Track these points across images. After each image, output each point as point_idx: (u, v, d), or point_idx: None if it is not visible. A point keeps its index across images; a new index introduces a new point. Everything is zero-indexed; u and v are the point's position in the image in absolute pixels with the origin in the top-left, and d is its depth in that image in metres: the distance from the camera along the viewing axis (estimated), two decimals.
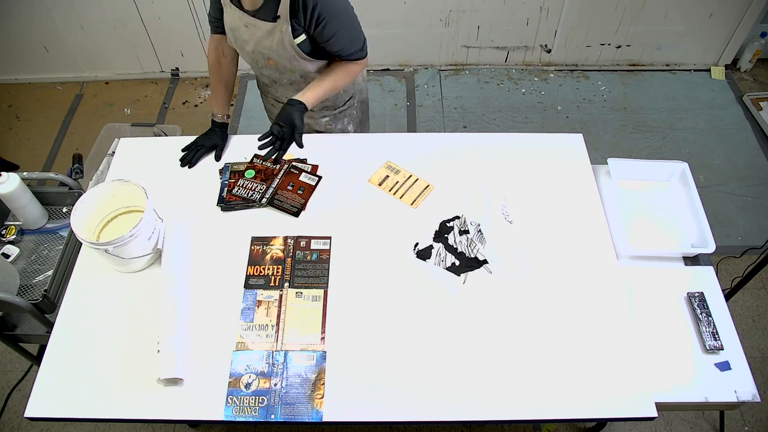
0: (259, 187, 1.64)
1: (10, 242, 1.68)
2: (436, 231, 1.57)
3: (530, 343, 1.35)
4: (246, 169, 1.69)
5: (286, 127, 1.48)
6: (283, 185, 1.64)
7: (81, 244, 1.54)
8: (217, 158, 1.73)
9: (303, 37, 1.47)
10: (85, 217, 1.44)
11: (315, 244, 1.53)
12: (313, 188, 1.65)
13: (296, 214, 1.59)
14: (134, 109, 3.24)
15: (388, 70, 3.40)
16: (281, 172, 1.67)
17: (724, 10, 3.04)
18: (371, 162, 1.73)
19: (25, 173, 1.69)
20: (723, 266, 2.46)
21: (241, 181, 1.65)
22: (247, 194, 1.62)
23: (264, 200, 1.61)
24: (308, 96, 1.54)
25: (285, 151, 1.48)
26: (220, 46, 1.68)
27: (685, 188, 1.69)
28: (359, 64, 1.61)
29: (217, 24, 1.63)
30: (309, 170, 1.69)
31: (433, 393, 1.28)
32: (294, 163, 1.70)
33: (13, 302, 1.43)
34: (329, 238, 1.54)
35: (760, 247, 2.43)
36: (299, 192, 1.63)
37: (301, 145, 1.48)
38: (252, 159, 1.72)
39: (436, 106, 3.19)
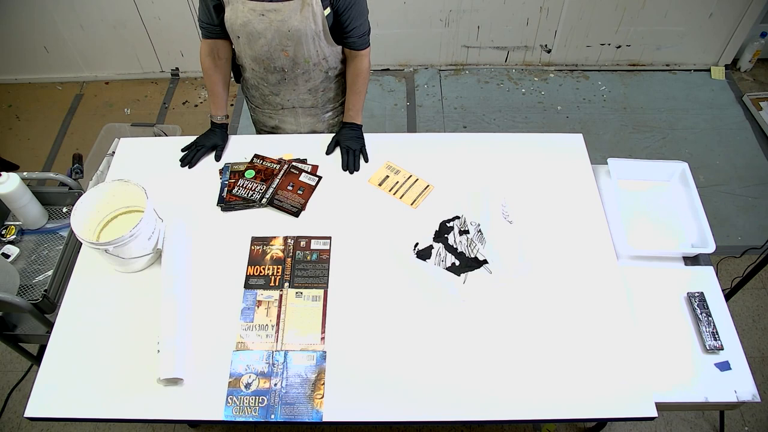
0: (259, 187, 1.64)
1: (10, 242, 1.67)
2: (436, 231, 1.57)
3: (530, 343, 1.35)
4: (246, 169, 1.69)
5: (354, 146, 1.73)
6: (283, 185, 1.64)
7: (81, 244, 1.54)
8: (217, 158, 1.73)
9: (328, 10, 1.54)
10: (85, 217, 1.44)
11: (315, 244, 1.53)
12: (313, 188, 1.65)
13: (296, 214, 1.59)
14: (134, 109, 3.24)
15: (388, 70, 3.40)
16: (281, 173, 1.67)
17: (724, 10, 3.04)
18: (371, 162, 1.73)
19: (25, 173, 1.69)
20: (723, 266, 2.46)
21: (241, 181, 1.65)
22: (247, 194, 1.62)
23: (264, 200, 1.61)
24: (353, 114, 1.75)
25: (359, 166, 1.72)
26: (215, 49, 1.68)
27: (685, 188, 1.69)
28: (365, 56, 1.69)
29: (211, 29, 1.63)
30: (309, 170, 1.69)
31: (433, 393, 1.28)
32: (294, 163, 1.70)
33: (13, 302, 1.43)
34: (329, 238, 1.54)
35: (760, 247, 2.43)
36: (299, 192, 1.63)
37: (366, 159, 1.73)
38: (252, 159, 1.72)
39: (436, 106, 3.19)
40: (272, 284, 1.45)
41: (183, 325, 1.34)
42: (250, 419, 1.25)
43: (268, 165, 1.70)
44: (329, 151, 1.75)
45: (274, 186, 1.64)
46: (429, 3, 3.03)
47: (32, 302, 1.47)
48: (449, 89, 3.28)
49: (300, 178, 1.67)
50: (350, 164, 1.70)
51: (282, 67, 1.65)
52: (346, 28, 1.60)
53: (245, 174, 1.67)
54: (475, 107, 3.18)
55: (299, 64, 1.65)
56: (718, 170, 2.84)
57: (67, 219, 1.73)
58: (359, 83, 1.73)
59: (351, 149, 1.72)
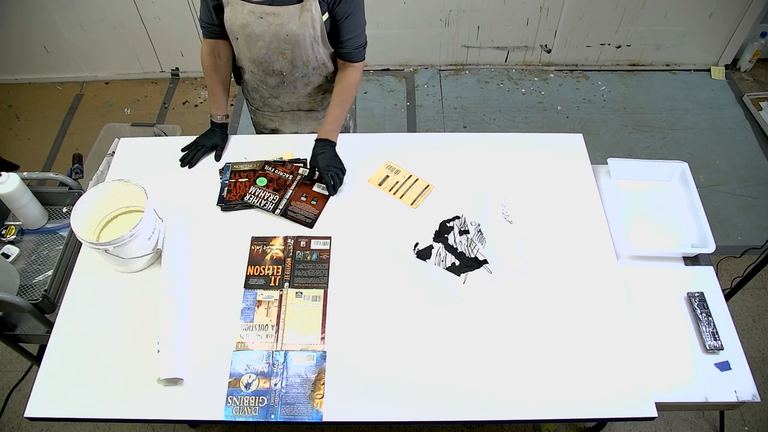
0: (272, 197, 1.61)
1: (10, 242, 1.67)
2: (436, 231, 1.57)
3: (530, 343, 1.35)
4: (257, 177, 1.66)
5: (335, 169, 1.60)
6: (297, 196, 1.62)
7: (81, 244, 1.54)
8: (217, 158, 1.73)
9: (326, 15, 1.52)
10: (85, 217, 1.44)
11: (315, 244, 1.53)
12: (326, 198, 1.62)
13: (310, 225, 1.57)
14: (134, 109, 3.24)
15: (388, 70, 3.40)
16: (294, 183, 1.65)
17: (724, 10, 3.04)
18: (371, 162, 1.72)
19: (25, 173, 1.69)
20: (723, 266, 2.46)
21: (252, 189, 1.62)
22: (261, 203, 1.60)
23: (277, 211, 1.59)
24: (330, 129, 1.62)
25: (338, 189, 1.62)
26: (215, 48, 1.67)
27: (685, 188, 1.69)
28: (358, 69, 1.66)
29: (211, 29, 1.62)
30: (317, 177, 1.65)
31: (433, 393, 1.28)
32: (304, 172, 1.67)
33: (13, 302, 1.43)
34: (329, 238, 1.54)
35: (760, 247, 2.43)
36: (313, 203, 1.61)
37: (341, 183, 1.63)
38: (264, 166, 1.69)
39: (436, 106, 3.19)
40: (272, 284, 1.45)
41: (183, 325, 1.34)
42: (250, 419, 1.25)
43: (281, 174, 1.66)
44: (309, 177, 1.65)
45: (287, 197, 1.61)
46: (429, 3, 3.03)
47: (32, 302, 1.47)
48: (449, 89, 3.28)
49: (314, 189, 1.64)
50: (336, 187, 1.61)
51: (281, 70, 1.65)
52: (341, 37, 1.57)
53: (257, 181, 1.64)
54: (475, 107, 3.18)
55: (298, 68, 1.65)
56: (718, 170, 2.84)
57: (67, 219, 1.73)
58: (346, 95, 1.65)
59: (331, 173, 1.60)
